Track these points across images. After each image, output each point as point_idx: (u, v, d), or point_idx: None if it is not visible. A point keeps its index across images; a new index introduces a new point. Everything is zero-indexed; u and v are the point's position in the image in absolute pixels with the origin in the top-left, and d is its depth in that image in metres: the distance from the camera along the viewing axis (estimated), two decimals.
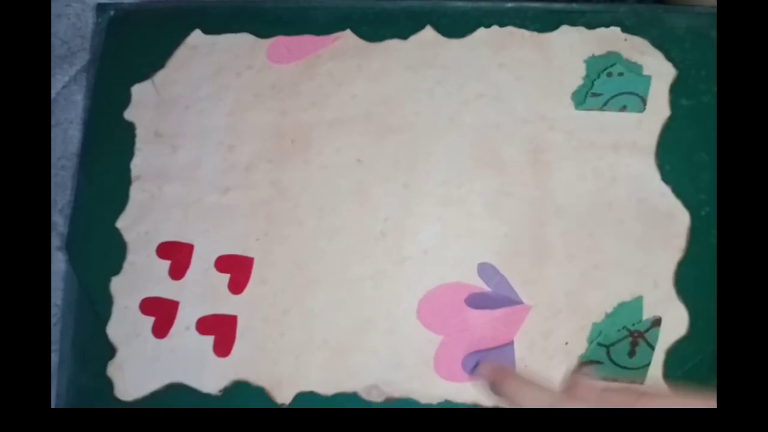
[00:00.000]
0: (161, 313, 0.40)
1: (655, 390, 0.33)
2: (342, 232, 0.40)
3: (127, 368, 0.39)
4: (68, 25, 0.47)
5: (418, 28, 0.42)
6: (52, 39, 0.47)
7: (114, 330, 0.40)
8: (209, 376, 0.38)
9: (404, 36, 0.42)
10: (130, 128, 0.44)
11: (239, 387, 0.38)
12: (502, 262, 0.38)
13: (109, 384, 0.39)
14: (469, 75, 0.41)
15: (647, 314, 0.36)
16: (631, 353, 0.35)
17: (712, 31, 0.40)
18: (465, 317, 0.37)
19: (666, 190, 0.38)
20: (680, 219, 0.37)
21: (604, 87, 0.39)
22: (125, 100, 0.44)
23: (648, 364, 0.35)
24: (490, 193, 0.39)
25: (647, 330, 0.35)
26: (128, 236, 0.42)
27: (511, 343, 0.37)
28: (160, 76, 0.44)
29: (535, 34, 0.41)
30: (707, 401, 0.28)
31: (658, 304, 0.36)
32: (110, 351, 0.40)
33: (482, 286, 0.38)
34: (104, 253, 0.41)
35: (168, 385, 0.39)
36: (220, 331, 0.39)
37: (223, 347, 0.39)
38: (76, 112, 0.46)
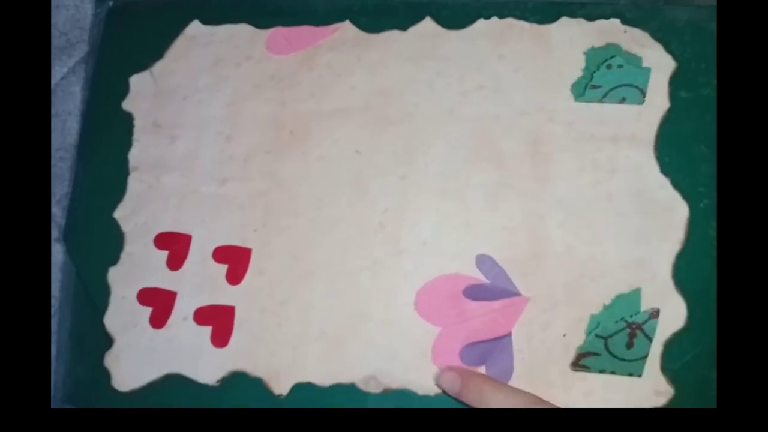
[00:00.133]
0: (159, 304, 0.40)
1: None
2: (340, 224, 0.40)
3: (124, 359, 0.39)
4: (67, 17, 0.47)
5: (417, 19, 0.42)
6: (51, 30, 0.47)
7: (111, 320, 0.40)
8: (207, 366, 0.38)
9: (404, 27, 0.42)
10: (128, 119, 0.44)
11: (237, 378, 0.38)
12: (501, 254, 0.38)
13: (106, 374, 0.39)
14: (469, 66, 0.41)
15: (645, 306, 0.36)
16: (629, 345, 0.35)
17: (711, 24, 0.40)
18: (463, 309, 0.37)
19: (665, 182, 0.38)
20: (679, 211, 0.37)
21: (604, 79, 0.39)
22: (123, 91, 0.44)
23: (645, 356, 0.35)
24: (489, 185, 0.39)
25: (645, 322, 0.35)
26: (126, 226, 0.41)
27: (509, 334, 0.37)
28: (158, 66, 0.44)
29: (535, 25, 0.41)
30: None
31: (657, 296, 0.36)
32: (107, 341, 0.40)
33: (480, 278, 0.38)
34: (102, 244, 0.41)
35: (165, 375, 0.39)
36: (218, 321, 0.39)
37: (220, 338, 0.39)
38: (75, 103, 0.46)
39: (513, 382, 0.36)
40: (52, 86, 0.46)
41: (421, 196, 0.39)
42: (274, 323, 0.39)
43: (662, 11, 0.41)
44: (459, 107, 0.41)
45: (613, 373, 0.35)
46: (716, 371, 0.33)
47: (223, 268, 0.40)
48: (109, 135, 0.43)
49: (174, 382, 0.38)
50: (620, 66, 0.39)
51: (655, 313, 0.35)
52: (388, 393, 0.37)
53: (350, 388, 0.37)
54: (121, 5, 0.46)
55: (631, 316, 0.35)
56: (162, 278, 0.40)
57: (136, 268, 0.41)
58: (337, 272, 0.39)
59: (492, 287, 0.37)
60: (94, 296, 0.41)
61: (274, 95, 0.42)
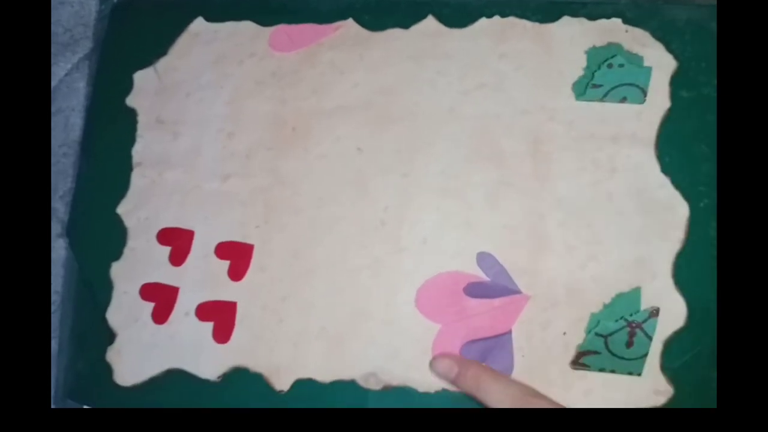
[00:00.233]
0: (161, 299, 0.40)
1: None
2: (341, 221, 0.40)
3: (126, 354, 0.40)
4: (71, 13, 0.47)
5: (419, 17, 0.42)
6: (55, 27, 0.47)
7: (113, 315, 0.40)
8: (208, 362, 0.39)
9: (406, 25, 0.42)
10: (131, 115, 0.44)
11: (238, 373, 0.38)
12: (501, 252, 0.38)
13: (108, 369, 0.39)
14: (470, 65, 0.41)
15: (645, 304, 0.36)
16: (629, 344, 0.35)
17: (712, 24, 0.40)
18: (463, 306, 0.37)
19: (665, 181, 0.37)
20: (679, 210, 0.37)
21: (605, 78, 0.39)
22: (127, 87, 0.44)
23: (645, 355, 0.35)
24: (489, 184, 0.39)
25: (645, 321, 0.35)
26: (129, 222, 0.42)
27: (509, 332, 0.37)
28: (162, 63, 0.44)
29: (537, 24, 0.41)
30: None
31: (657, 296, 0.36)
32: (110, 336, 0.40)
33: (481, 276, 0.38)
34: (105, 239, 0.42)
35: (167, 370, 0.39)
36: (220, 317, 0.39)
37: (222, 334, 0.39)
38: (78, 99, 0.46)
39: None
40: (56, 82, 0.46)
41: (421, 195, 0.39)
42: (275, 320, 0.39)
43: (663, 11, 0.41)
44: (460, 106, 0.41)
45: (612, 371, 0.36)
46: (716, 371, 0.33)
47: (225, 264, 0.40)
48: (112, 131, 0.44)
49: (175, 377, 0.39)
50: (621, 65, 0.39)
51: (654, 312, 0.35)
52: (388, 390, 0.37)
53: (351, 385, 0.37)
54: (126, 2, 0.47)
55: (631, 315, 0.35)
56: (164, 274, 0.40)
57: (138, 264, 0.41)
58: (337, 270, 0.39)
59: (492, 285, 0.37)
60: (96, 291, 0.41)
61: (276, 92, 0.43)
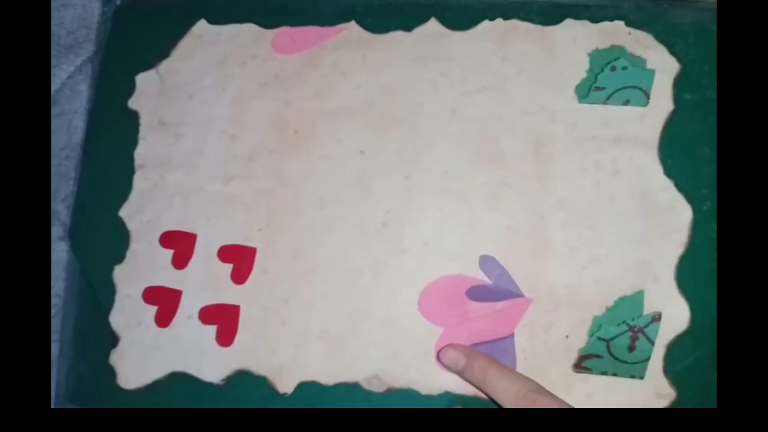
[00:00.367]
0: (164, 302, 0.40)
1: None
2: (343, 223, 0.40)
3: (130, 357, 0.40)
4: (74, 15, 0.47)
5: (422, 20, 0.42)
6: (58, 29, 0.47)
7: (116, 318, 0.40)
8: (211, 365, 0.39)
9: (409, 28, 0.42)
10: (133, 117, 0.44)
11: (241, 376, 0.38)
12: (503, 254, 0.38)
13: (111, 372, 0.39)
14: (473, 67, 0.41)
15: (648, 308, 0.36)
16: (631, 348, 0.35)
17: (715, 26, 0.40)
18: (465, 309, 0.37)
19: (668, 184, 0.37)
20: (682, 213, 0.37)
21: (608, 81, 0.39)
22: (129, 89, 0.44)
23: (647, 359, 0.35)
24: (491, 185, 0.39)
25: (647, 325, 0.35)
26: (131, 225, 0.42)
27: (512, 335, 0.37)
28: (164, 65, 0.44)
29: (539, 27, 0.41)
30: None
31: (659, 299, 0.36)
32: (113, 340, 0.40)
33: (483, 279, 0.38)
34: (107, 242, 0.42)
35: (170, 373, 0.39)
36: (223, 320, 0.39)
37: (225, 337, 0.39)
38: (81, 102, 0.46)
39: None
40: (58, 85, 0.46)
41: (424, 196, 0.39)
42: (278, 321, 0.39)
43: (666, 13, 0.40)
44: (462, 107, 0.41)
45: (615, 375, 0.36)
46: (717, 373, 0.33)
47: (228, 267, 0.40)
48: (114, 133, 0.44)
49: (179, 380, 0.39)
50: (624, 68, 0.39)
51: (657, 317, 0.35)
52: (391, 392, 0.37)
53: (354, 387, 0.37)
54: (129, 4, 0.46)
55: (633, 320, 0.35)
56: (167, 277, 0.40)
57: (141, 267, 0.41)
58: (339, 271, 0.39)
59: (495, 288, 0.37)
60: (99, 294, 0.41)
61: (278, 94, 0.43)
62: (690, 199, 0.37)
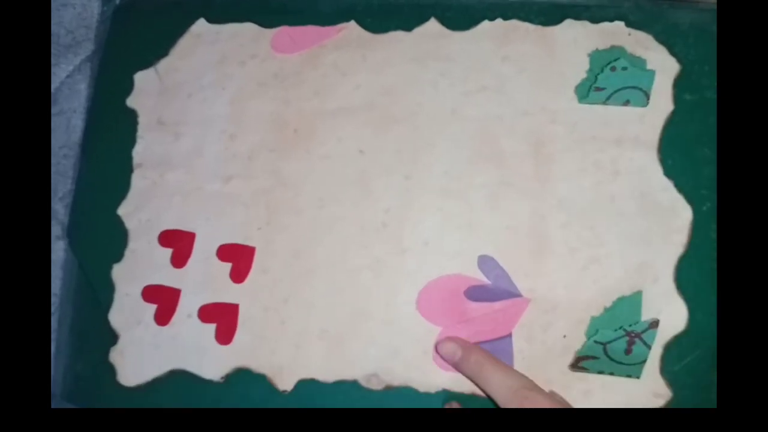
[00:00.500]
0: (163, 301, 0.40)
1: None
2: (343, 223, 0.40)
3: (129, 355, 0.40)
4: (73, 15, 0.47)
5: (422, 20, 0.42)
6: (57, 28, 0.47)
7: (116, 317, 0.40)
8: (211, 363, 0.39)
9: (408, 28, 0.42)
10: (132, 115, 0.44)
11: (241, 374, 0.38)
12: (502, 254, 0.38)
13: (111, 370, 0.40)
14: (473, 67, 0.41)
15: (646, 308, 0.36)
16: (628, 351, 0.35)
17: (715, 27, 0.40)
18: (464, 309, 0.37)
19: (668, 184, 0.37)
20: (682, 214, 0.37)
21: (608, 81, 0.39)
22: (128, 88, 0.44)
23: (644, 361, 0.35)
24: (491, 186, 0.39)
25: (644, 331, 0.35)
26: (130, 223, 0.42)
27: (510, 335, 0.37)
28: (163, 63, 0.44)
29: (539, 27, 0.41)
30: None
31: (658, 299, 0.36)
32: (112, 338, 0.40)
33: (482, 279, 0.38)
34: (106, 240, 0.42)
35: (170, 371, 0.39)
36: (222, 319, 0.39)
37: (224, 335, 0.39)
38: (80, 101, 0.46)
39: None
40: (57, 84, 0.46)
41: (423, 196, 0.39)
42: (277, 321, 0.39)
43: (666, 14, 0.40)
44: (462, 107, 0.41)
45: (611, 374, 0.36)
46: (715, 374, 0.33)
47: (227, 266, 0.40)
48: (113, 132, 0.44)
49: (179, 378, 0.39)
50: (624, 68, 0.39)
51: (654, 324, 0.35)
52: (389, 390, 0.37)
53: (353, 385, 0.37)
54: (128, 3, 0.46)
55: (631, 326, 0.35)
56: (166, 275, 0.40)
57: (140, 266, 0.41)
58: (339, 271, 0.39)
59: (493, 288, 0.37)
60: (98, 293, 0.41)
61: (278, 94, 0.42)
62: (690, 199, 0.37)
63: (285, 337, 0.38)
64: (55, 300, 0.43)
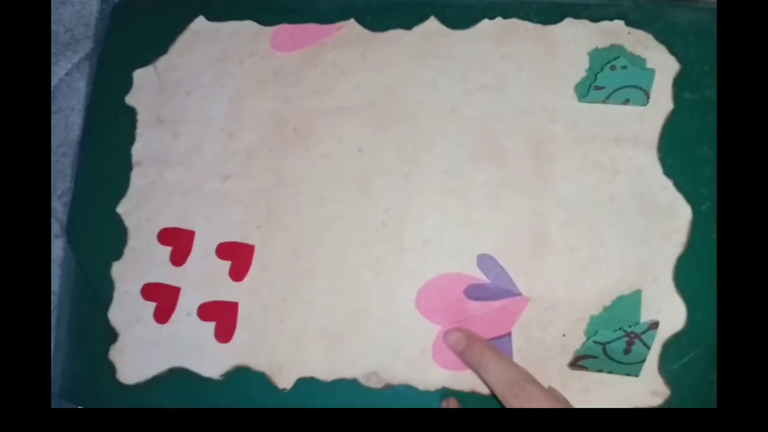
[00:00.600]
0: (163, 299, 0.40)
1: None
2: (342, 221, 0.40)
3: (129, 352, 0.40)
4: (72, 13, 0.47)
5: (422, 18, 0.42)
6: (56, 26, 0.47)
7: (115, 315, 0.40)
8: (210, 361, 0.39)
9: (408, 26, 0.42)
10: (131, 113, 0.44)
11: (240, 372, 0.38)
12: (502, 253, 0.38)
13: (110, 368, 0.40)
14: (472, 66, 0.41)
15: (646, 307, 0.36)
16: (627, 351, 0.35)
17: (715, 26, 0.40)
18: (463, 308, 0.37)
19: (668, 183, 0.38)
20: (682, 213, 0.37)
21: (608, 80, 0.39)
22: (127, 85, 0.44)
23: (643, 361, 0.35)
24: (490, 185, 0.39)
25: (644, 332, 0.35)
26: (129, 221, 0.42)
27: (509, 334, 0.37)
28: (162, 61, 0.44)
29: (539, 26, 0.41)
30: None
31: (657, 299, 0.36)
32: (111, 336, 0.40)
33: (481, 278, 0.38)
34: (105, 238, 0.42)
35: (170, 369, 0.39)
36: (222, 317, 0.39)
37: (224, 333, 0.39)
38: (78, 99, 0.46)
39: None
40: (56, 82, 0.46)
41: (423, 195, 0.39)
42: (277, 319, 0.39)
43: (666, 13, 0.40)
44: (462, 106, 0.41)
45: (610, 372, 0.36)
46: (714, 373, 0.34)
47: (227, 264, 0.40)
48: (112, 129, 0.44)
49: (178, 375, 0.39)
50: (624, 67, 0.39)
51: (654, 325, 0.35)
52: (389, 388, 0.37)
53: (352, 383, 0.37)
54: (127, 1, 0.46)
55: (630, 327, 0.35)
56: (165, 274, 0.40)
57: (139, 264, 0.41)
58: (338, 270, 0.39)
59: (493, 287, 0.37)
60: (97, 291, 0.41)
61: (277, 92, 0.42)
62: (689, 198, 0.37)
63: (284, 335, 0.39)
64: (53, 298, 0.43)
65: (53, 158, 0.45)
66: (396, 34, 0.42)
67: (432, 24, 0.42)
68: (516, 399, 0.31)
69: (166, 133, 0.43)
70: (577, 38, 0.40)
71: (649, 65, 0.39)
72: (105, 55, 0.45)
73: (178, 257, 0.40)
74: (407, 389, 0.37)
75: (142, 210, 0.42)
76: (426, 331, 0.38)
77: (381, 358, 0.38)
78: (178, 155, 0.42)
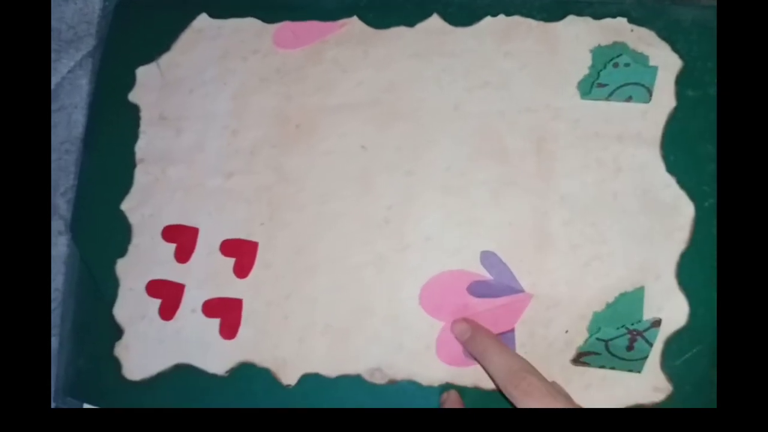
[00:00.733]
0: (167, 296, 0.40)
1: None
2: (345, 218, 0.40)
3: (134, 349, 0.40)
4: (75, 10, 0.47)
5: (424, 15, 0.42)
6: (58, 24, 0.47)
7: (120, 312, 0.40)
8: (215, 357, 0.39)
9: (411, 23, 0.42)
10: (134, 110, 0.44)
11: (245, 368, 0.39)
12: (505, 250, 0.38)
13: (116, 364, 0.40)
14: (475, 63, 0.41)
15: (648, 304, 0.36)
16: (629, 348, 0.35)
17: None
18: (466, 305, 0.38)
19: (671, 181, 0.38)
20: (684, 210, 0.37)
21: (610, 77, 0.39)
22: (130, 83, 0.44)
23: (645, 357, 0.35)
24: (493, 182, 0.39)
25: (646, 330, 0.35)
26: (133, 218, 0.42)
27: (512, 330, 0.37)
28: (165, 58, 0.44)
29: (542, 23, 0.41)
30: None
31: (660, 295, 0.36)
32: (117, 332, 0.40)
33: (484, 275, 0.38)
34: (109, 235, 0.42)
35: (175, 365, 0.39)
36: (226, 314, 0.39)
37: (229, 330, 0.39)
38: (81, 96, 0.46)
39: None
40: (59, 79, 0.46)
41: (426, 192, 0.40)
42: (280, 315, 0.39)
43: (668, 10, 0.41)
44: (465, 103, 0.41)
45: (612, 368, 0.36)
46: (715, 370, 0.34)
47: (231, 261, 0.40)
48: (115, 127, 0.44)
49: (184, 372, 0.39)
50: (627, 64, 0.39)
51: (656, 323, 0.35)
52: (392, 384, 0.37)
53: (356, 379, 0.38)
54: None
55: (633, 324, 0.35)
56: (170, 270, 0.40)
57: (143, 260, 0.41)
58: (341, 267, 0.39)
59: (496, 284, 0.38)
60: (102, 288, 0.41)
61: (280, 89, 0.42)
62: (692, 196, 0.37)
63: (288, 331, 0.39)
64: (57, 295, 0.43)
65: (56, 156, 0.45)
66: (398, 32, 0.42)
67: (434, 21, 0.42)
68: (516, 389, 0.31)
69: (169, 131, 0.43)
70: (580, 36, 0.40)
71: (651, 63, 0.39)
72: (108, 52, 0.45)
73: (183, 254, 0.41)
74: (411, 385, 0.37)
75: (145, 207, 0.42)
76: (429, 327, 0.38)
77: (384, 354, 0.38)
78: (181, 152, 0.42)
